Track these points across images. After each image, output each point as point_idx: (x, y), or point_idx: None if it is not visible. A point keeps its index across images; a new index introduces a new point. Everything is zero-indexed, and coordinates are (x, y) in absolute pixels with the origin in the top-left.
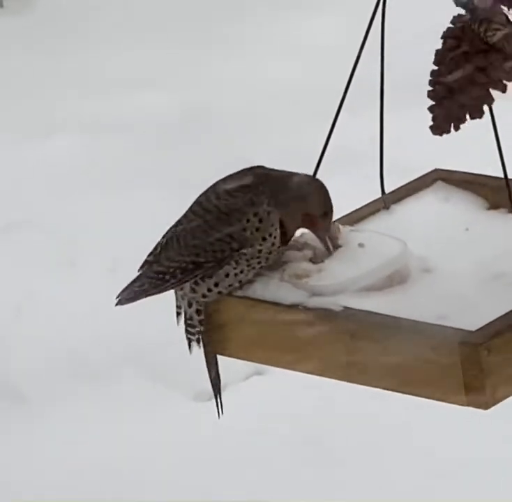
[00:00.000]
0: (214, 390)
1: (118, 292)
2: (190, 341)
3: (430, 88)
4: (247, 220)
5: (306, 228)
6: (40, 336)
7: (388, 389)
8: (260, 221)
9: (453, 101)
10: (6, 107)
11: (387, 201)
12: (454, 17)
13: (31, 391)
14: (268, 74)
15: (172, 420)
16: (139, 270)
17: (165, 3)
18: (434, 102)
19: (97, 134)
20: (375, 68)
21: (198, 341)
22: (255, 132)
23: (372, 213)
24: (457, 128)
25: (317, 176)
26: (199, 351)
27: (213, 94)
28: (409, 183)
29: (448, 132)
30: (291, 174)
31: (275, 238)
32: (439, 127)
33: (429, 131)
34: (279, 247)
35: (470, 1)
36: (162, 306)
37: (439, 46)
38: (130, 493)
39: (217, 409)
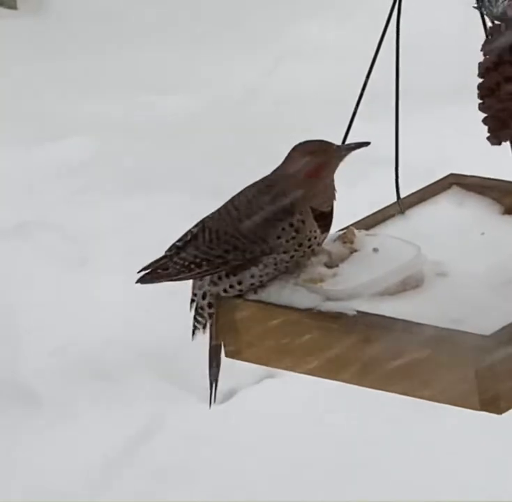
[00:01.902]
0: (210, 378)
1: (140, 268)
2: (194, 328)
3: (480, 101)
4: (283, 229)
5: (324, 176)
6: (53, 336)
7: (401, 393)
8: (296, 231)
9: (505, 110)
10: (19, 109)
11: (402, 205)
12: (489, 28)
13: (43, 392)
14: (281, 78)
15: (184, 422)
16: (166, 252)
17: (175, 5)
18: (486, 114)
19: (110, 136)
20: (390, 73)
21: (204, 327)
22: (267, 135)
23: (388, 218)
24: None
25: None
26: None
27: (225, 97)
28: (424, 188)
29: (507, 140)
30: (284, 168)
31: (315, 238)
32: (496, 137)
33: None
34: (316, 248)
35: (503, 12)
36: (177, 308)
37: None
38: (141, 493)
39: (210, 399)
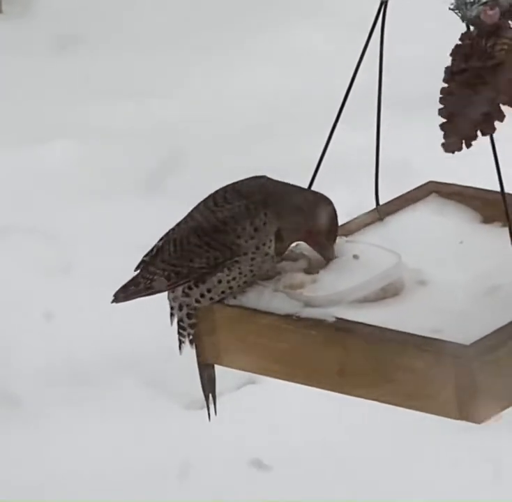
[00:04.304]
0: (205, 392)
1: (115, 290)
2: (180, 342)
3: (441, 106)
4: (243, 228)
5: (307, 243)
6: (36, 341)
7: (380, 401)
8: (255, 230)
9: (463, 118)
10: (4, 112)
11: (382, 212)
12: (462, 34)
13: (26, 396)
14: (267, 85)
15: (164, 428)
16: (135, 270)
17: (164, 11)
18: (445, 120)
19: (93, 140)
20: (373, 79)
21: (191, 343)
22: (252, 142)
23: (367, 224)
24: (468, 145)
25: (313, 187)
26: (192, 358)
27: (211, 103)
28: (403, 195)
29: (460, 149)
30: (299, 189)
31: (269, 248)
32: (451, 145)
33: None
34: (273, 257)
35: (477, 16)
36: (158, 314)
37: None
38: (119, 499)
39: (208, 412)
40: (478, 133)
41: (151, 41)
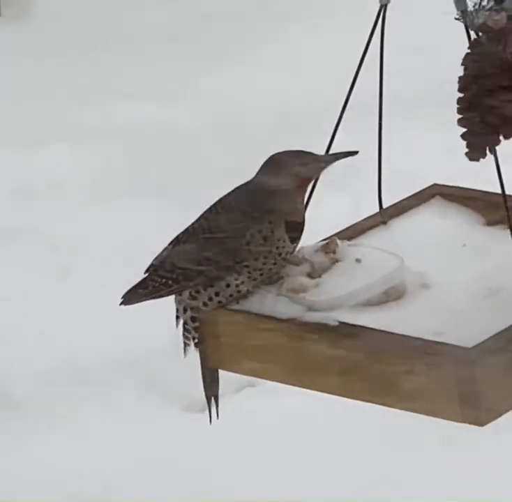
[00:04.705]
0: (207, 395)
1: (123, 293)
2: (185, 345)
3: (460, 116)
4: (252, 235)
5: (307, 184)
6: (36, 344)
7: (382, 404)
8: (265, 239)
9: (483, 125)
10: (4, 112)
11: (385, 216)
12: (472, 41)
13: (26, 397)
14: (267, 86)
15: (163, 431)
16: (144, 273)
17: (164, 12)
18: (465, 129)
19: (94, 141)
20: (374, 81)
21: (196, 346)
22: (252, 142)
23: (370, 228)
24: (492, 151)
25: (316, 191)
26: (193, 361)
27: (211, 103)
28: (407, 198)
29: (485, 156)
30: (257, 179)
31: (283, 248)
32: (475, 154)
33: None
34: (286, 258)
35: (484, 23)
36: (158, 315)
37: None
38: (120, 500)
39: (210, 414)
40: (501, 138)
41: (151, 41)
